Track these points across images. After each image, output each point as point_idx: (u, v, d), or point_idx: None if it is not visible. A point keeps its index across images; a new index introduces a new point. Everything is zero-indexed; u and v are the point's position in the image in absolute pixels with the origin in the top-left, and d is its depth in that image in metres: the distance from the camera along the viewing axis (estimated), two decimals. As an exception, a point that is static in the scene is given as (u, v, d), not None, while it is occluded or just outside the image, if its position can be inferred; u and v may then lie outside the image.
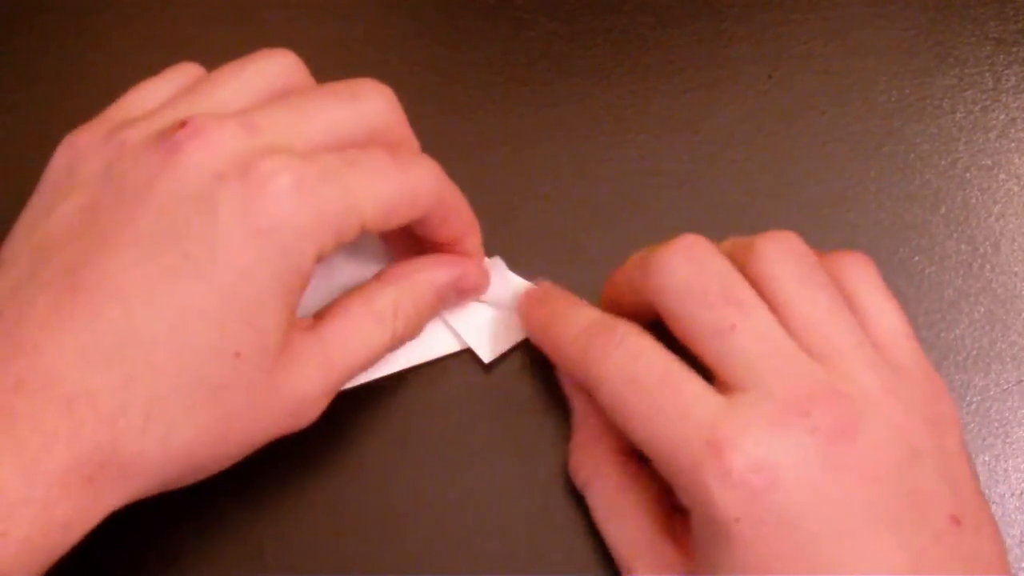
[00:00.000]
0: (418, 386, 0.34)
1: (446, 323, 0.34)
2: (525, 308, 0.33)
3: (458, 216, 0.32)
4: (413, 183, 0.30)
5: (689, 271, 0.28)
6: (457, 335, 0.34)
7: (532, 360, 0.34)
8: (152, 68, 0.33)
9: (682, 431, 0.26)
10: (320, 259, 0.28)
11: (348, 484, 0.32)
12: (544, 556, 0.32)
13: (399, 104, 0.31)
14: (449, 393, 0.34)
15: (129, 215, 0.27)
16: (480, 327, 0.34)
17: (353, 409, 0.30)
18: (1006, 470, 0.33)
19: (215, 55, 0.32)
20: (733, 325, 0.27)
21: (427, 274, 0.32)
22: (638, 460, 0.31)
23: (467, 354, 0.34)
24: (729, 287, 0.28)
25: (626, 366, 0.28)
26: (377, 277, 0.32)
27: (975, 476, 0.28)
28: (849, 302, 0.29)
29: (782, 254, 0.29)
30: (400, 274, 0.32)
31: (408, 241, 0.33)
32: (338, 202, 0.28)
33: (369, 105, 0.30)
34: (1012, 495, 0.32)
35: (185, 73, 0.32)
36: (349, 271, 0.33)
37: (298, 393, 0.29)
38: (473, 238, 0.33)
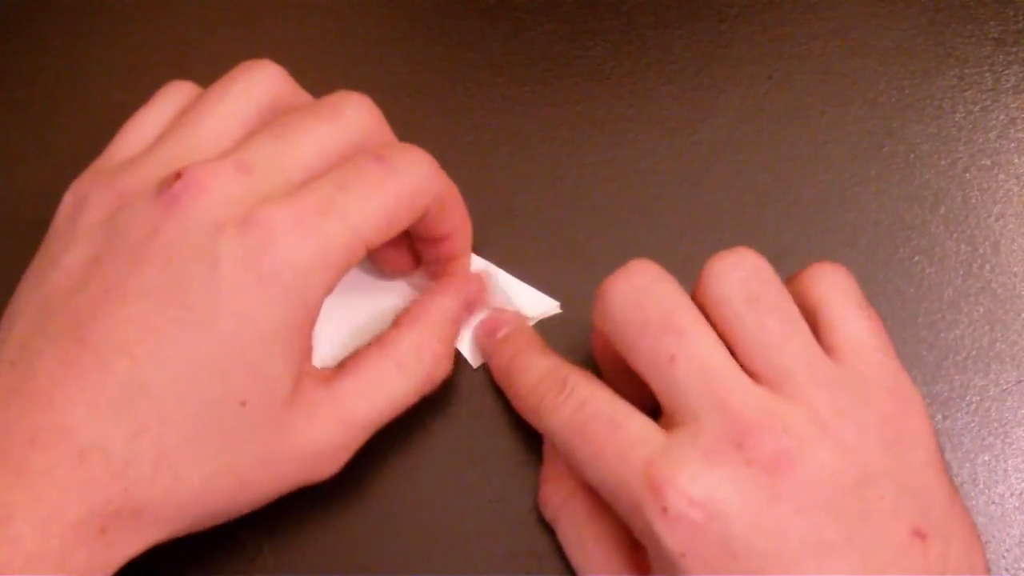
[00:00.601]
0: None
1: None
2: (485, 347, 0.33)
3: (455, 205, 0.32)
4: (408, 184, 0.30)
5: (630, 300, 0.28)
6: None
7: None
8: (152, 68, 0.33)
9: (622, 472, 0.26)
10: (328, 293, 0.28)
11: (347, 484, 0.32)
12: (544, 556, 0.32)
13: (378, 109, 0.31)
14: (449, 392, 0.34)
15: (131, 267, 0.27)
16: (470, 332, 0.34)
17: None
18: (1006, 470, 0.33)
19: (215, 55, 0.32)
20: (672, 356, 0.27)
21: (439, 308, 0.32)
22: None
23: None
24: (670, 315, 0.27)
25: (574, 416, 0.28)
26: (395, 325, 0.32)
27: (949, 487, 0.27)
28: (816, 314, 0.28)
29: (730, 273, 0.28)
30: (416, 316, 0.32)
31: (395, 244, 0.33)
32: (339, 235, 0.28)
33: (351, 117, 0.30)
34: (1012, 495, 0.32)
35: (178, 93, 0.32)
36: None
37: (312, 446, 0.29)
38: (466, 232, 0.33)
